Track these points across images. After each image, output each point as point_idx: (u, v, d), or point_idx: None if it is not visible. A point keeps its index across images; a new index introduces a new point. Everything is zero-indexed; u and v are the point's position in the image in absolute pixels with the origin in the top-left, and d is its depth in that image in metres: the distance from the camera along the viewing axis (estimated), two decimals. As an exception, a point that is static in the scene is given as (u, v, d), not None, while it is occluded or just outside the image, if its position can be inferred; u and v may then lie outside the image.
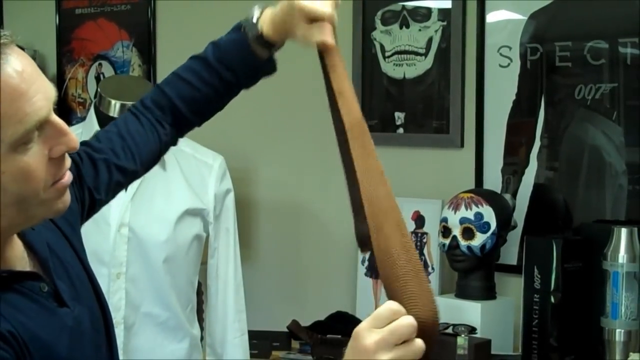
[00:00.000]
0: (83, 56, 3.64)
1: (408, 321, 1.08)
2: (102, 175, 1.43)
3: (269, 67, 1.54)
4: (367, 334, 1.09)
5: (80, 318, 1.21)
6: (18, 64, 1.10)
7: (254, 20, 1.50)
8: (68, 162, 1.14)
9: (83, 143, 1.44)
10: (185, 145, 2.32)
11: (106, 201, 1.47)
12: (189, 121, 1.54)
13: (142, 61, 3.45)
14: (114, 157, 1.45)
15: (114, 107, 2.23)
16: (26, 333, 1.11)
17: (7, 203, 1.08)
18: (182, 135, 1.59)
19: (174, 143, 1.58)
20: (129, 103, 2.22)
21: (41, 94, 1.08)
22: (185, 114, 1.52)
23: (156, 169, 2.22)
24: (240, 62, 1.50)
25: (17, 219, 1.11)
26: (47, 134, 1.09)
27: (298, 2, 1.41)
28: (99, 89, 2.28)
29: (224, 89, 1.52)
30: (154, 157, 1.54)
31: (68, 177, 1.14)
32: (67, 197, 1.15)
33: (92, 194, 1.41)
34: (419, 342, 1.10)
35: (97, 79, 3.57)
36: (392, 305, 1.10)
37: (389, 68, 2.81)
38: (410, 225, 2.61)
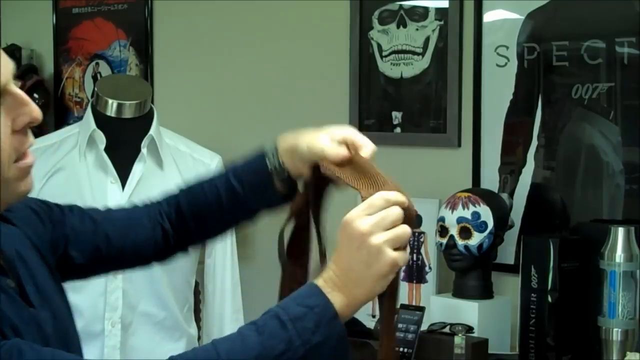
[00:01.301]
0: (80, 55, 3.63)
1: (398, 209, 1.15)
2: (85, 230, 1.38)
3: (278, 196, 1.43)
4: (360, 219, 1.15)
5: (46, 322, 1.19)
6: None
7: (274, 157, 1.39)
8: (31, 138, 1.11)
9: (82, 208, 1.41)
10: (182, 144, 2.32)
11: (80, 265, 1.38)
12: (188, 227, 1.45)
13: (139, 60, 3.45)
14: (107, 223, 1.40)
15: (111, 107, 2.23)
16: (3, 319, 1.09)
17: None
18: (182, 247, 1.49)
19: (172, 252, 1.48)
20: (126, 102, 2.22)
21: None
22: (186, 215, 1.44)
23: (153, 168, 2.23)
24: (250, 172, 1.42)
25: None
26: (8, 105, 1.07)
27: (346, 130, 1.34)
28: (96, 89, 2.28)
29: (226, 197, 1.42)
30: (146, 249, 1.45)
31: (31, 157, 1.11)
32: (30, 180, 1.12)
33: (67, 244, 1.35)
34: (407, 226, 1.16)
35: (94, 78, 3.57)
36: (385, 195, 1.16)
37: (386, 67, 2.81)
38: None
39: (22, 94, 1.09)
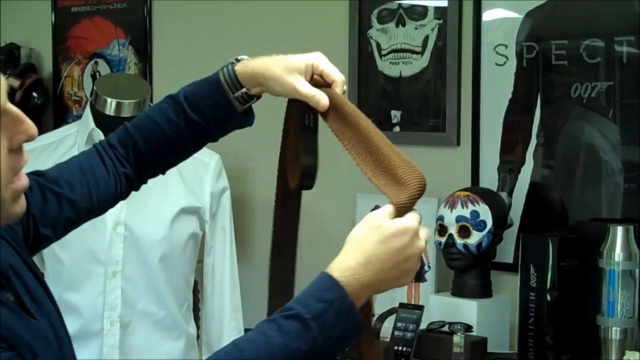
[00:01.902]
0: (79, 54, 3.63)
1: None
2: (50, 208, 1.35)
3: (243, 120, 1.42)
4: (405, 218, 1.18)
5: (46, 330, 1.17)
6: None
7: (232, 62, 1.40)
8: (26, 155, 1.08)
9: (35, 172, 1.36)
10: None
11: (54, 238, 1.37)
12: (149, 163, 1.44)
13: (138, 59, 3.45)
14: (69, 191, 1.37)
15: (110, 106, 2.22)
16: (15, 338, 1.07)
17: None
18: (144, 181, 1.49)
19: (136, 187, 1.48)
20: (125, 101, 2.22)
21: None
22: (146, 153, 1.43)
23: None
24: (211, 105, 1.39)
25: None
26: (5, 124, 1.03)
27: (313, 57, 1.34)
28: (95, 87, 2.28)
29: (189, 132, 1.40)
30: (112, 198, 1.45)
31: (26, 180, 1.08)
32: (24, 200, 1.09)
33: (36, 225, 1.33)
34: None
35: (93, 77, 3.57)
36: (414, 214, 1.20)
37: (385, 66, 2.80)
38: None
39: (17, 111, 1.05)
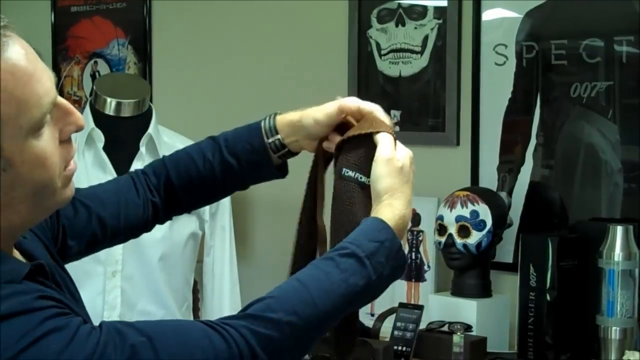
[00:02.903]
0: (78, 54, 3.63)
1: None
2: (80, 219, 1.37)
3: (275, 172, 1.45)
4: (399, 151, 1.30)
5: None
6: (20, 45, 1.05)
7: (271, 123, 1.42)
8: (74, 144, 1.12)
9: None
10: (180, 143, 2.31)
11: (77, 252, 1.40)
12: (177, 197, 1.46)
13: (138, 59, 3.45)
14: (99, 206, 1.40)
15: (110, 105, 2.22)
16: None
17: (25, 196, 1.05)
18: (169, 216, 1.50)
19: (161, 220, 1.50)
20: (125, 101, 2.22)
21: (46, 74, 1.06)
22: (176, 186, 1.45)
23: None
24: (247, 149, 1.42)
25: (32, 213, 1.08)
26: (56, 116, 1.07)
27: (346, 99, 1.40)
28: (94, 87, 2.28)
29: (221, 173, 1.43)
30: (139, 224, 1.46)
31: (74, 164, 1.12)
32: (73, 185, 1.13)
33: (64, 235, 1.35)
34: None
35: (93, 77, 3.56)
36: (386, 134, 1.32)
37: (384, 66, 2.80)
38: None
39: (66, 103, 1.09)
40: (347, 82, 2.85)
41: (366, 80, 2.82)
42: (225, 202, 2.34)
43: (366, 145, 1.31)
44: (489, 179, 2.59)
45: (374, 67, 2.82)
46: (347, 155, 1.32)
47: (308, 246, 1.41)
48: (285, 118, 1.41)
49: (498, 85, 2.58)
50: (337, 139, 1.35)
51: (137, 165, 2.21)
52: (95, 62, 3.57)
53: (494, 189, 2.55)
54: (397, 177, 1.27)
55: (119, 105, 2.22)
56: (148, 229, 1.50)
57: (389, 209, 1.25)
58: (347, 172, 1.31)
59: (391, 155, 1.28)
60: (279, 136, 1.39)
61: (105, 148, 2.21)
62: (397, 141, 1.31)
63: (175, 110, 3.17)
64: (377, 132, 1.31)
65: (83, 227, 1.38)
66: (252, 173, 1.44)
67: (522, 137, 2.54)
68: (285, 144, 1.40)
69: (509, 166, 2.57)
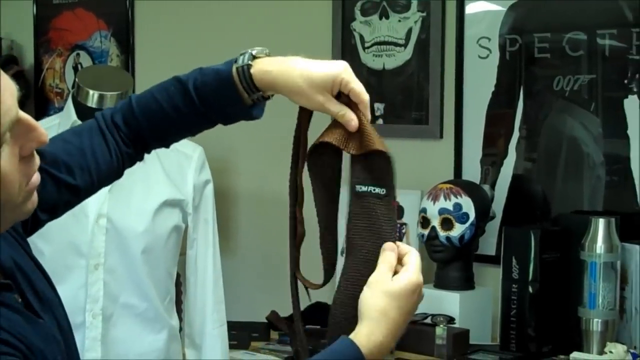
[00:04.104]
0: (61, 46, 3.62)
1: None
2: (48, 192, 1.32)
3: (251, 114, 1.35)
4: (404, 276, 1.23)
5: (51, 328, 1.17)
6: None
7: (248, 61, 1.32)
8: (37, 159, 1.08)
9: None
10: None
11: (50, 219, 1.36)
12: (149, 143, 1.43)
13: (121, 51, 3.44)
14: (67, 175, 1.35)
15: (92, 98, 2.22)
16: (26, 343, 1.06)
17: None
18: (141, 158, 1.47)
19: (132, 164, 1.46)
20: (107, 93, 2.21)
21: (8, 91, 1.00)
22: (148, 135, 1.40)
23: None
24: (222, 101, 1.33)
25: None
26: (17, 133, 1.02)
27: (341, 72, 1.29)
28: (76, 80, 2.27)
29: (195, 119, 1.37)
30: (111, 177, 1.43)
31: (36, 177, 1.08)
32: (35, 197, 1.09)
33: (35, 211, 1.28)
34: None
35: (75, 69, 3.55)
36: (389, 247, 1.26)
37: (368, 59, 2.81)
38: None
39: (29, 119, 1.04)
40: (331, 74, 2.85)
41: (350, 73, 2.82)
42: (209, 194, 2.33)
43: (371, 158, 1.26)
44: (472, 171, 2.60)
45: (357, 60, 2.82)
46: (355, 171, 1.28)
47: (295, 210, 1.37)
48: (265, 78, 1.31)
49: (481, 78, 2.59)
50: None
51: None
52: (78, 55, 3.56)
53: (477, 181, 2.57)
54: (395, 302, 1.20)
55: (101, 97, 2.21)
56: (119, 176, 1.45)
57: (367, 333, 1.19)
58: (361, 188, 1.27)
59: (416, 282, 1.23)
60: (260, 93, 1.32)
61: (87, 140, 2.20)
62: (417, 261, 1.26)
63: (158, 103, 3.16)
64: (381, 152, 1.25)
65: (54, 199, 1.34)
66: (227, 118, 1.37)
67: (505, 130, 2.55)
68: (266, 97, 1.33)
69: (492, 159, 2.58)
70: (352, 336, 1.19)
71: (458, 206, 2.40)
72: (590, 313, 2.15)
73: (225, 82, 1.32)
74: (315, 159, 1.32)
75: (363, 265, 1.26)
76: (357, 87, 1.28)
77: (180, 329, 2.37)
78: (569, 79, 2.45)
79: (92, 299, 2.15)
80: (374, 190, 1.27)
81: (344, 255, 1.31)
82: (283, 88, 1.30)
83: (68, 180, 1.35)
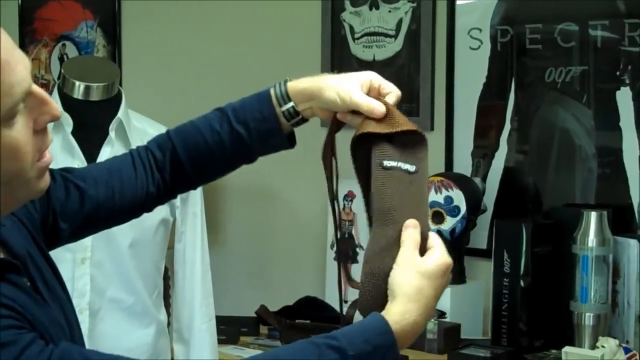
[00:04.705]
0: (46, 37, 3.60)
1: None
2: (71, 201, 1.35)
3: (286, 141, 1.39)
4: (433, 257, 1.23)
5: (58, 316, 1.18)
6: None
7: (286, 79, 1.38)
8: (50, 135, 1.10)
9: (63, 168, 1.38)
10: (151, 127, 2.30)
11: (69, 234, 1.37)
12: (184, 172, 1.42)
13: (107, 42, 3.42)
14: (92, 187, 1.37)
15: (78, 89, 2.21)
16: (34, 320, 1.08)
17: None
18: (174, 194, 1.46)
19: (163, 199, 1.45)
20: (94, 85, 2.20)
21: (21, 63, 1.04)
22: (183, 160, 1.40)
23: (122, 152, 2.21)
24: (257, 118, 1.37)
25: (2, 203, 1.06)
26: (30, 105, 1.05)
27: (370, 74, 1.33)
28: (62, 70, 2.26)
29: (230, 143, 1.38)
30: (136, 206, 1.42)
31: (49, 156, 1.10)
32: (48, 176, 1.12)
33: (55, 219, 1.33)
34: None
35: (61, 60, 3.53)
36: (412, 224, 1.25)
37: (358, 50, 2.80)
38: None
39: (42, 93, 1.07)
40: (320, 66, 2.84)
41: (340, 64, 2.82)
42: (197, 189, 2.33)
43: (400, 139, 1.27)
44: (463, 164, 2.60)
45: (347, 51, 2.81)
46: (382, 148, 1.27)
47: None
48: (298, 85, 1.36)
49: (472, 70, 2.59)
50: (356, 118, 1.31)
51: (107, 150, 2.19)
52: (64, 45, 3.54)
53: (468, 174, 2.56)
54: (430, 281, 1.20)
55: (87, 89, 2.20)
56: (148, 208, 1.45)
57: (401, 311, 1.18)
58: (389, 162, 1.26)
59: (448, 262, 1.23)
60: (292, 103, 1.35)
61: (73, 133, 2.19)
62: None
63: (146, 94, 3.14)
64: (414, 132, 1.27)
65: (75, 209, 1.35)
66: (262, 143, 1.39)
67: (497, 122, 2.55)
68: (298, 112, 1.36)
69: (483, 151, 2.58)
70: (384, 313, 1.18)
71: (449, 199, 2.40)
72: (582, 307, 2.16)
73: (263, 99, 1.37)
74: (357, 154, 1.32)
75: (392, 231, 1.24)
76: (385, 83, 1.34)
77: (169, 324, 2.36)
78: (561, 71, 2.44)
79: (79, 294, 2.15)
80: (404, 166, 1.26)
81: (370, 225, 1.29)
82: (315, 88, 1.34)
83: (90, 192, 1.37)
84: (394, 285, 1.20)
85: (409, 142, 1.27)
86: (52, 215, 1.33)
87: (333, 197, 1.38)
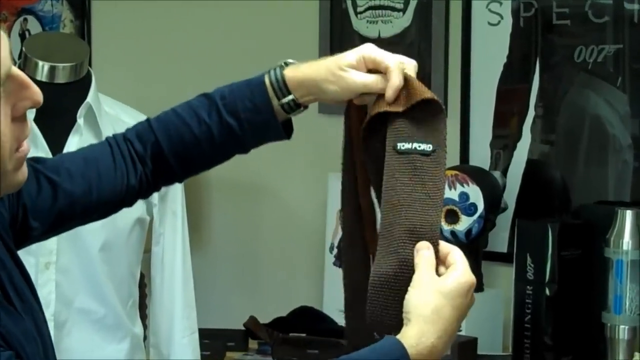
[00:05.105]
0: (5, 10, 3.60)
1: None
2: (44, 197, 1.36)
3: (281, 133, 1.41)
4: (453, 276, 1.24)
5: (30, 327, 1.19)
6: None
7: (280, 66, 1.40)
8: (29, 124, 1.12)
9: (34, 158, 1.38)
10: (124, 114, 2.31)
11: (41, 233, 1.39)
12: (167, 166, 1.43)
13: (75, 16, 3.42)
14: (67, 180, 1.38)
15: (42, 70, 2.21)
16: (9, 336, 1.09)
17: None
18: (157, 187, 1.48)
19: (145, 194, 1.47)
20: (60, 65, 2.21)
21: (2, 42, 1.06)
22: (167, 153, 1.42)
23: (91, 141, 2.21)
24: (250, 108, 1.39)
25: None
26: (9, 89, 1.06)
27: (364, 48, 1.38)
28: (23, 49, 2.26)
29: (219, 136, 1.40)
30: (114, 201, 1.44)
31: (27, 146, 1.11)
32: (25, 168, 1.13)
33: (26, 216, 1.34)
34: None
35: (22, 36, 3.53)
36: (425, 245, 1.26)
37: (361, 26, 2.80)
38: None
39: (22, 75, 1.08)
40: (318, 44, 2.84)
41: (340, 42, 2.82)
42: (177, 184, 2.33)
43: (415, 113, 1.28)
44: (481, 156, 2.60)
45: (349, 27, 2.81)
46: (396, 127, 1.28)
47: (355, 232, 1.38)
48: (296, 75, 1.38)
49: (491, 49, 2.59)
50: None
51: (74, 139, 2.20)
52: (25, 20, 3.54)
53: (487, 167, 2.57)
54: (449, 301, 1.22)
55: (52, 69, 2.21)
56: (129, 203, 1.47)
57: (417, 334, 1.19)
58: (403, 145, 1.27)
59: (470, 281, 1.24)
60: (292, 96, 1.37)
61: (36, 120, 2.19)
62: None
63: (119, 76, 3.14)
64: (429, 101, 1.28)
65: (48, 206, 1.37)
66: (255, 135, 1.41)
67: (519, 108, 2.56)
68: (300, 103, 1.38)
69: (503, 142, 2.58)
70: (399, 337, 1.19)
71: (464, 196, 2.40)
72: (616, 319, 2.16)
73: (256, 88, 1.38)
74: (369, 143, 1.33)
75: (402, 229, 1.26)
76: (380, 56, 1.35)
77: (145, 338, 2.37)
78: (592, 49, 2.45)
79: (43, 303, 2.13)
80: (419, 146, 1.27)
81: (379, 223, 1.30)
82: (312, 82, 1.36)
83: (65, 185, 1.38)
84: (409, 307, 1.21)
85: (425, 114, 1.29)
86: (22, 213, 1.34)
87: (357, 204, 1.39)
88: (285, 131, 1.42)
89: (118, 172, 1.42)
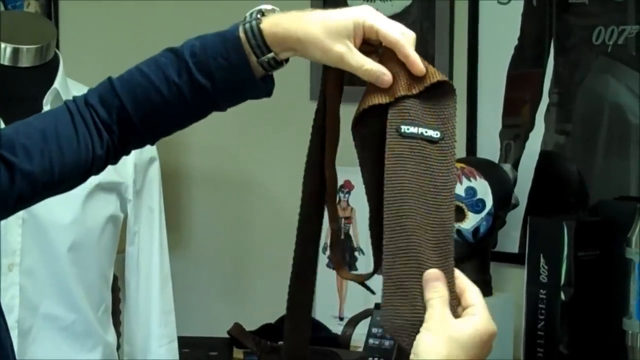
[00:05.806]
0: (-36, -13, 3.59)
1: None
2: (0, 182, 1.34)
3: (261, 90, 1.39)
4: (470, 322, 1.22)
5: None
6: None
7: (256, 16, 1.36)
8: None
9: None
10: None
11: (1, 218, 1.39)
12: (135, 131, 1.42)
13: (41, -7, 3.42)
14: (25, 160, 1.36)
15: (4, 53, 2.22)
16: None
17: None
18: (126, 152, 1.47)
19: (113, 160, 1.47)
20: (24, 47, 2.21)
21: None
22: (133, 118, 1.40)
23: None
24: (224, 66, 1.37)
25: None
26: None
27: (362, 13, 1.33)
28: (-16, 29, 2.26)
29: (191, 97, 1.38)
30: (80, 173, 1.43)
31: None
32: None
33: None
34: None
35: (-17, 16, 3.53)
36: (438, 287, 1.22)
37: (357, 4, 2.80)
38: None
39: None
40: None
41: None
42: (154, 177, 2.34)
43: (422, 96, 1.27)
44: (490, 147, 2.61)
45: (344, 6, 2.80)
46: (400, 108, 1.27)
47: (313, 204, 1.38)
48: (277, 32, 1.34)
49: (501, 30, 2.60)
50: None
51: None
52: (-14, -3, 3.54)
53: (496, 160, 2.58)
54: (464, 351, 1.20)
55: (15, 52, 2.21)
56: (96, 172, 1.46)
57: None
58: (408, 129, 1.25)
59: (491, 330, 1.22)
60: (272, 54, 1.34)
61: (-2, 106, 2.19)
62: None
63: (88, 59, 3.14)
64: (440, 83, 1.26)
65: (5, 190, 1.35)
66: (231, 95, 1.40)
67: (531, 95, 2.56)
68: (280, 60, 1.35)
69: (514, 132, 2.59)
70: None
71: (471, 191, 2.40)
72: (638, 325, 2.17)
73: (230, 44, 1.35)
74: (363, 132, 1.31)
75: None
76: (385, 27, 1.30)
77: (119, 347, 2.37)
78: (612, 31, 2.45)
79: (6, 309, 2.13)
80: (426, 132, 1.25)
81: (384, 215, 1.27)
82: (295, 41, 1.32)
83: (24, 166, 1.36)
84: (418, 349, 1.19)
85: (433, 96, 1.27)
86: None
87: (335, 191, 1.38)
88: (264, 87, 1.39)
89: (82, 143, 1.40)
